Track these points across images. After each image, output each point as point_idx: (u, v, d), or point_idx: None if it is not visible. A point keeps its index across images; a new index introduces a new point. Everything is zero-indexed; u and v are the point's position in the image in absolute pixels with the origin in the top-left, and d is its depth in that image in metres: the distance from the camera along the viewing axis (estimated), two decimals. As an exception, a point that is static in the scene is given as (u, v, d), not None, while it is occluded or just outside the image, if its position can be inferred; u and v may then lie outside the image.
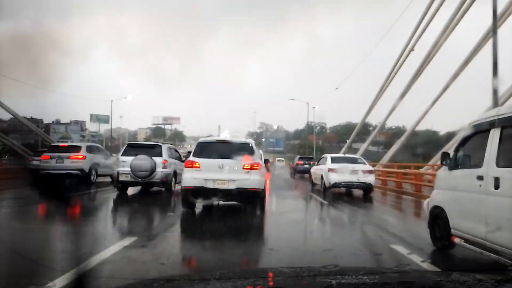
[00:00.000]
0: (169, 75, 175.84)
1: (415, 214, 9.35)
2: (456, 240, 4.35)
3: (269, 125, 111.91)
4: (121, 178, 10.80)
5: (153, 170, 10.52)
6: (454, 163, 4.65)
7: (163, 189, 11.41)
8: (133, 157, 10.62)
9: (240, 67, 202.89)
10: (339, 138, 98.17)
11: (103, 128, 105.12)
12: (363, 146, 29.20)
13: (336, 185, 12.10)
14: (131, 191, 11.66)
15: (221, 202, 8.28)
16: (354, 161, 13.08)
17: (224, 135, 9.68)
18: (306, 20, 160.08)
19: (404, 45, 22.84)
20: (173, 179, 11.44)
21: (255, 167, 7.43)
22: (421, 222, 6.03)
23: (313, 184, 14.47)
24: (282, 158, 50.46)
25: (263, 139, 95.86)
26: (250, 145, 7.91)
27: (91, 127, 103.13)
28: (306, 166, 20.63)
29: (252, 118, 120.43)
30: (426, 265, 4.03)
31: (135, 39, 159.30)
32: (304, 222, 7.93)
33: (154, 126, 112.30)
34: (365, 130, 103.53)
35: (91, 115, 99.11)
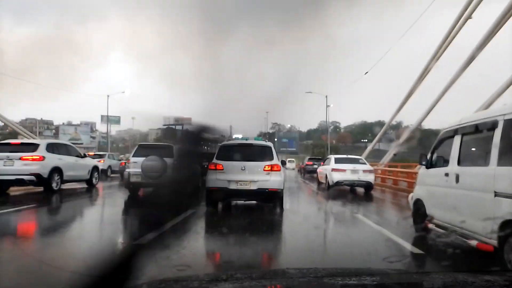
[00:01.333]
0: (183, 76, 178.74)
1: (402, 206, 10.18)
2: (430, 225, 5.34)
3: (281, 125, 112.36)
4: (132, 179, 10.86)
5: (164, 171, 10.51)
6: (430, 163, 5.71)
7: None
8: (144, 158, 10.72)
9: (254, 68, 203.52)
10: (354, 137, 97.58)
11: (114, 129, 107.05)
12: (392, 146, 26.86)
13: (339, 183, 13.54)
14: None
15: (239, 202, 9.00)
16: (355, 161, 14.43)
17: (235, 136, 10.15)
18: (321, 20, 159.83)
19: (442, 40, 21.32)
20: None
21: (275, 169, 8.01)
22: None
23: (319, 183, 16.14)
24: (293, 159, 50.55)
25: (276, 139, 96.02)
26: (270, 147, 8.49)
27: (102, 128, 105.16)
28: (315, 166, 22.12)
29: (265, 118, 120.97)
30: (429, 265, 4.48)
31: (150, 41, 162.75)
32: (309, 212, 9.62)
33: (165, 126, 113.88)
34: (381, 129, 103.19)
35: (102, 116, 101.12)
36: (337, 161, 14.26)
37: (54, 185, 11.15)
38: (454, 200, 4.84)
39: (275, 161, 8.23)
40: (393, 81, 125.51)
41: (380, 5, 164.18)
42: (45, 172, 10.78)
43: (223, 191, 7.98)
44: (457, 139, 4.95)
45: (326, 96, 37.44)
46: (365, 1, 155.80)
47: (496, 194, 3.95)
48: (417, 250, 4.98)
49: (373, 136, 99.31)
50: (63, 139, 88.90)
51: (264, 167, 8.04)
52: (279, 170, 8.15)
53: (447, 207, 5.03)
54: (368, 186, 13.69)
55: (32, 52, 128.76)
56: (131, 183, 10.92)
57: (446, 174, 5.02)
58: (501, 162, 3.98)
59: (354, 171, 13.55)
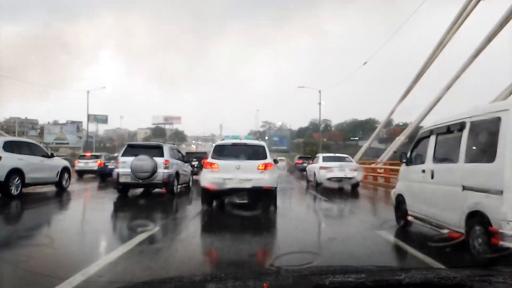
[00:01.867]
0: (173, 75, 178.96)
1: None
2: (410, 218, 5.96)
3: (272, 124, 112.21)
4: (121, 179, 10.66)
5: (154, 171, 10.45)
6: (409, 161, 6.25)
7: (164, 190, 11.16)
8: (134, 158, 10.54)
9: (245, 66, 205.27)
10: (345, 135, 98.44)
11: (102, 128, 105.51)
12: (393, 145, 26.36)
13: (327, 180, 14.26)
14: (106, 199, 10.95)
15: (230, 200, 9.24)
16: (342, 159, 15.40)
17: (225, 135, 10.31)
18: (313, 18, 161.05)
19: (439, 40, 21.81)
20: (176, 180, 11.31)
21: (268, 167, 8.36)
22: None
23: (308, 181, 16.91)
24: (283, 158, 50.96)
25: (266, 137, 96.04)
26: (264, 147, 8.91)
27: (90, 127, 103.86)
28: (305, 165, 23.11)
29: (255, 116, 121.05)
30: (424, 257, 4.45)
31: (141, 40, 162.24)
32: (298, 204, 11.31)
33: (154, 125, 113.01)
34: (371, 127, 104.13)
35: (89, 115, 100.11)
36: (325, 159, 15.17)
37: (13, 189, 9.86)
38: (429, 194, 5.41)
39: (269, 160, 8.58)
40: (384, 79, 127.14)
41: (373, 3, 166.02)
42: (1, 175, 9.58)
43: (219, 189, 8.23)
44: (432, 139, 5.52)
45: (320, 91, 35.65)
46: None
47: (464, 188, 4.45)
48: (398, 242, 5.52)
49: (364, 134, 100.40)
50: (48, 139, 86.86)
51: (258, 166, 8.34)
52: (273, 169, 8.53)
53: (423, 201, 5.60)
54: (354, 183, 14.46)
55: (21, 50, 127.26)
56: (120, 183, 10.76)
57: (423, 171, 5.56)
58: (468, 159, 4.50)
59: (341, 169, 14.35)
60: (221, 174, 8.22)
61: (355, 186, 14.59)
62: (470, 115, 4.63)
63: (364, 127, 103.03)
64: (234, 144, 9.08)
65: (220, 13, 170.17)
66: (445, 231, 4.79)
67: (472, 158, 4.48)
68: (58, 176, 12.13)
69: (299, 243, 5.35)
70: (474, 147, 4.51)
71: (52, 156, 12.22)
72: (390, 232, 6.06)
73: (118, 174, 10.69)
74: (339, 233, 6.44)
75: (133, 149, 11.31)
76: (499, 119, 4.03)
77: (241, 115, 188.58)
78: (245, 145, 9.00)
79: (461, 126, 4.70)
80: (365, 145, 32.81)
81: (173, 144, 13.66)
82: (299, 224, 7.25)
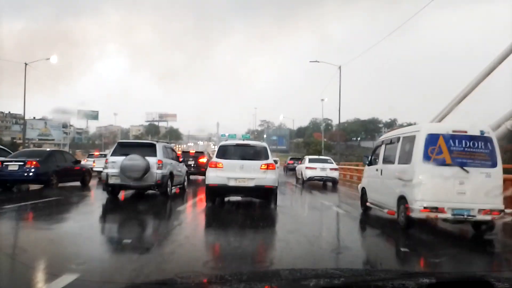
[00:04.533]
0: (171, 73, 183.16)
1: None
2: (368, 204, 8.67)
3: (270, 123, 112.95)
4: (111, 180, 10.45)
5: (146, 171, 10.21)
6: (370, 162, 8.96)
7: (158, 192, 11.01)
8: (124, 157, 10.29)
9: (244, 65, 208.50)
10: (347, 135, 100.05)
11: (93, 125, 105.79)
12: None
13: (311, 178, 18.11)
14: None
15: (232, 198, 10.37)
16: (324, 161, 19.29)
17: (221, 134, 11.50)
18: (315, 17, 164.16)
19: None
20: (170, 181, 11.13)
21: (270, 167, 9.24)
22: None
23: (297, 178, 20.53)
24: (277, 159, 52.78)
25: (265, 136, 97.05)
26: (266, 148, 9.81)
27: (79, 123, 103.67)
28: (295, 165, 26.91)
29: (253, 115, 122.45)
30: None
31: (140, 36, 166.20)
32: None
33: (147, 123, 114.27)
34: (375, 127, 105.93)
35: (78, 111, 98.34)
36: (310, 161, 19.03)
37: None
38: (379, 186, 8.09)
39: (270, 160, 9.45)
40: (385, 78, 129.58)
41: (377, 2, 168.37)
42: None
43: (223, 188, 9.12)
44: (383, 147, 8.29)
45: (340, 67, 30.07)
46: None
47: (399, 181, 6.91)
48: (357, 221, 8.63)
49: (367, 134, 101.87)
50: (30, 135, 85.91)
51: (261, 166, 9.15)
52: (274, 169, 9.40)
53: (376, 191, 8.29)
54: (333, 181, 18.53)
55: (26, 45, 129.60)
56: (109, 185, 10.57)
57: (377, 169, 8.26)
58: (400, 161, 7.19)
59: (323, 169, 18.14)
60: (225, 173, 9.05)
61: (334, 183, 18.61)
62: (402, 132, 7.39)
63: (367, 127, 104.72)
64: (238, 145, 10.03)
65: (220, 11, 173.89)
66: (385, 210, 7.45)
67: (401, 160, 7.07)
68: None
69: (286, 215, 9.09)
70: (403, 153, 7.06)
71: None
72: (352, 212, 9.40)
73: (107, 175, 10.49)
74: (315, 212, 10.05)
75: (123, 148, 11.09)
76: (414, 136, 6.61)
77: (238, 113, 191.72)
78: (248, 145, 9.90)
79: (397, 139, 7.42)
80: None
81: (168, 142, 13.65)
82: (288, 204, 11.26)
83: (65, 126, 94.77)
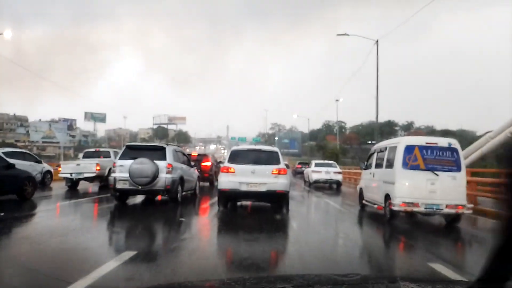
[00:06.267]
0: (182, 76, 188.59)
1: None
2: (364, 202, 10.72)
3: (281, 126, 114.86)
4: (119, 185, 10.33)
5: (155, 176, 10.17)
6: (365, 167, 11.10)
7: (167, 198, 10.97)
8: (132, 161, 10.24)
9: (255, 68, 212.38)
10: (361, 138, 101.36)
11: (101, 128, 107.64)
12: None
13: (317, 181, 21.11)
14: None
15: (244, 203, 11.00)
16: (329, 165, 22.28)
17: (231, 137, 12.25)
18: (327, 21, 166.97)
19: None
20: (180, 187, 10.96)
21: (282, 172, 9.61)
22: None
23: (305, 181, 23.82)
24: (286, 162, 54.39)
25: (276, 138, 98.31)
26: (277, 153, 10.20)
27: (87, 126, 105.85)
28: (303, 169, 30.06)
29: (264, 118, 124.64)
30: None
31: (153, 40, 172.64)
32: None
33: (156, 126, 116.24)
34: (391, 130, 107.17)
35: (86, 113, 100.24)
36: (316, 165, 22.15)
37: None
38: (372, 186, 10.16)
39: (282, 165, 9.80)
40: (401, 80, 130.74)
41: (389, 5, 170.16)
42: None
43: (235, 192, 9.50)
44: (375, 154, 10.52)
45: (377, 41, 24.40)
46: (372, 1, 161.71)
47: (384, 182, 8.83)
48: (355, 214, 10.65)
49: (383, 137, 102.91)
50: (34, 137, 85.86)
51: (273, 171, 9.51)
52: (286, 174, 9.77)
53: (370, 191, 10.38)
54: (337, 183, 21.03)
55: (45, 50, 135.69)
56: (117, 190, 10.45)
57: (371, 173, 10.39)
58: (386, 166, 9.23)
59: (327, 172, 21.04)
60: (237, 178, 9.45)
61: (338, 185, 21.06)
62: (389, 143, 9.77)
63: (382, 130, 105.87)
64: (249, 150, 10.57)
65: (232, 16, 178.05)
66: (376, 206, 9.67)
67: (387, 165, 9.16)
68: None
69: (294, 211, 10.40)
70: (388, 160, 9.15)
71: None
72: (350, 210, 11.63)
73: (115, 180, 10.40)
74: (320, 209, 12.33)
75: (132, 151, 11.04)
76: (396, 147, 8.77)
77: (249, 117, 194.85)
78: (260, 150, 10.42)
79: (385, 148, 9.70)
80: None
81: (178, 146, 13.66)
82: (297, 203, 12.90)
83: (70, 128, 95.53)
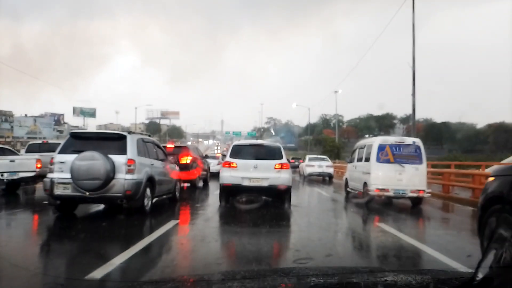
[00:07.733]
0: (176, 70, 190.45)
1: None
2: (348, 189, 13.71)
3: (277, 120, 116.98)
4: (57, 191, 7.66)
5: (109, 176, 7.56)
6: (350, 160, 14.02)
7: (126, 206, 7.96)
8: (76, 156, 7.56)
9: (250, 62, 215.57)
10: (359, 132, 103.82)
11: (92, 123, 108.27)
12: None
13: (310, 174, 24.34)
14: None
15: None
16: (322, 159, 25.77)
17: (226, 131, 12.62)
18: (323, 15, 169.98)
19: None
20: (148, 191, 8.44)
21: (284, 167, 9.96)
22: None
23: (300, 174, 27.11)
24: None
25: (273, 133, 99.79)
26: (279, 148, 10.54)
27: (75, 121, 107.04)
28: (296, 163, 33.85)
29: (259, 112, 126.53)
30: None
31: (147, 34, 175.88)
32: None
33: (148, 120, 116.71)
34: (390, 123, 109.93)
35: (74, 108, 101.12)
36: (310, 159, 25.54)
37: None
38: (355, 176, 12.83)
39: (284, 160, 10.09)
40: (399, 72, 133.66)
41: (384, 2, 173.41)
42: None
43: (237, 187, 9.81)
44: (357, 150, 13.10)
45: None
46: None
47: (363, 173, 11.69)
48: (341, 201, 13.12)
49: (381, 130, 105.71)
50: (18, 133, 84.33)
51: (275, 165, 9.83)
52: (288, 168, 10.06)
53: (353, 180, 13.01)
54: (329, 176, 24.46)
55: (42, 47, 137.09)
56: (56, 197, 7.77)
57: (354, 166, 13.14)
58: (365, 160, 11.91)
59: (320, 166, 24.39)
60: (239, 173, 9.77)
61: (330, 177, 24.46)
62: (367, 142, 12.36)
63: (381, 123, 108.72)
64: (251, 145, 10.80)
65: (227, 10, 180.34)
66: (357, 192, 12.36)
67: (365, 159, 11.71)
68: None
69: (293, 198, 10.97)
70: (366, 155, 11.75)
71: None
72: (337, 196, 14.39)
73: (51, 182, 7.72)
74: (312, 197, 14.80)
75: (78, 142, 8.38)
76: (372, 144, 11.48)
77: (244, 111, 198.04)
78: (262, 146, 10.62)
79: (363, 146, 12.37)
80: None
81: (148, 135, 10.42)
82: (294, 191, 13.39)
83: (58, 123, 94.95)
